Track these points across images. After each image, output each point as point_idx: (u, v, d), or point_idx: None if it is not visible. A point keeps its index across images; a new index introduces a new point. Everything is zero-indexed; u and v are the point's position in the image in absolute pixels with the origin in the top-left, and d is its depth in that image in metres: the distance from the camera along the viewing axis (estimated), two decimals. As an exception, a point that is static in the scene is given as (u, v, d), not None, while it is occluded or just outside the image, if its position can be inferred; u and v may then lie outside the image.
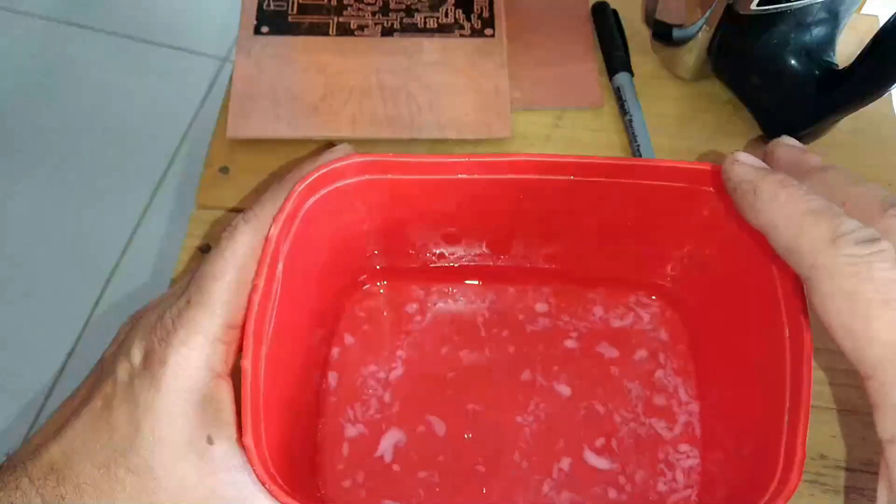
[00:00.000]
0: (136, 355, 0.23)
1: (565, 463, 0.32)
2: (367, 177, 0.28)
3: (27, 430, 0.89)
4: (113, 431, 0.23)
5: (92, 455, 0.22)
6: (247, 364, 0.23)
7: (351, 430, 0.33)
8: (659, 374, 0.34)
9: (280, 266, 0.26)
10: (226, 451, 0.23)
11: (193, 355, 0.23)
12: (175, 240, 0.95)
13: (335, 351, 0.34)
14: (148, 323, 0.24)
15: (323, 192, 0.28)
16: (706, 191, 0.29)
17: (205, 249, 0.38)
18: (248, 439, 0.23)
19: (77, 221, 1.02)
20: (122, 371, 0.23)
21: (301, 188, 0.26)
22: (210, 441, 0.23)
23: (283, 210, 0.25)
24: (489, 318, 0.35)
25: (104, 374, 0.24)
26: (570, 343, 0.35)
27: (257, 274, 0.24)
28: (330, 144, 0.28)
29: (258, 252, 0.25)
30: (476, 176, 0.28)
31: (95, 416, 0.23)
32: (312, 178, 0.27)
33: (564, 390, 0.34)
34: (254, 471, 0.23)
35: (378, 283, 0.35)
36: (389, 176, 0.28)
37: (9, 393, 0.91)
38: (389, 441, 0.33)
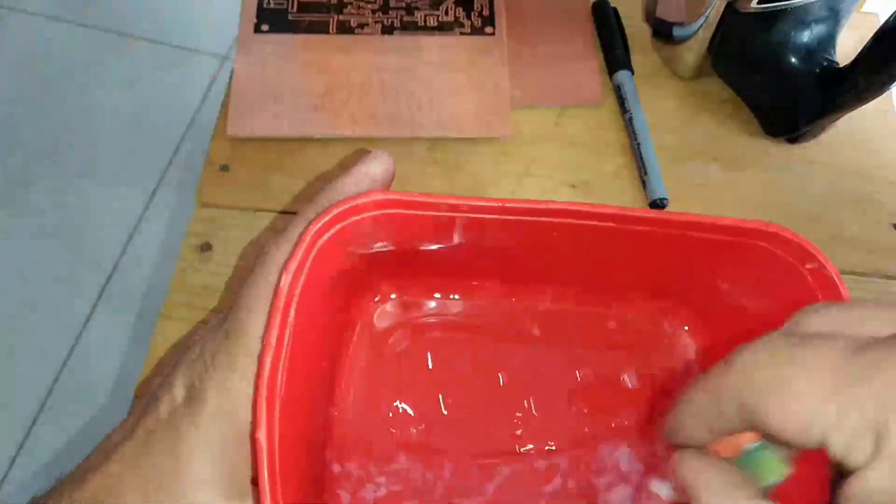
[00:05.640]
0: (179, 391, 0.23)
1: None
2: (384, 211, 0.27)
3: (30, 424, 0.90)
4: (153, 467, 0.23)
5: (133, 488, 0.23)
6: (261, 436, 0.22)
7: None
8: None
9: (292, 314, 0.24)
10: None
11: (232, 393, 0.23)
12: (175, 238, 0.95)
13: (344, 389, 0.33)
14: (191, 356, 0.24)
15: (338, 226, 0.26)
16: (755, 245, 0.27)
17: (205, 248, 0.38)
18: None
19: (78, 219, 1.02)
20: (164, 407, 0.23)
21: (314, 230, 0.25)
22: (254, 481, 0.23)
23: (294, 257, 0.24)
24: (496, 364, 0.34)
25: (149, 406, 0.24)
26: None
27: (268, 329, 0.23)
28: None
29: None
30: (503, 217, 0.27)
31: (137, 449, 0.23)
32: (325, 219, 0.25)
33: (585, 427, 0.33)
34: None
35: (388, 324, 0.34)
36: (402, 211, 0.27)
37: (11, 389, 0.91)
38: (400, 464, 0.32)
